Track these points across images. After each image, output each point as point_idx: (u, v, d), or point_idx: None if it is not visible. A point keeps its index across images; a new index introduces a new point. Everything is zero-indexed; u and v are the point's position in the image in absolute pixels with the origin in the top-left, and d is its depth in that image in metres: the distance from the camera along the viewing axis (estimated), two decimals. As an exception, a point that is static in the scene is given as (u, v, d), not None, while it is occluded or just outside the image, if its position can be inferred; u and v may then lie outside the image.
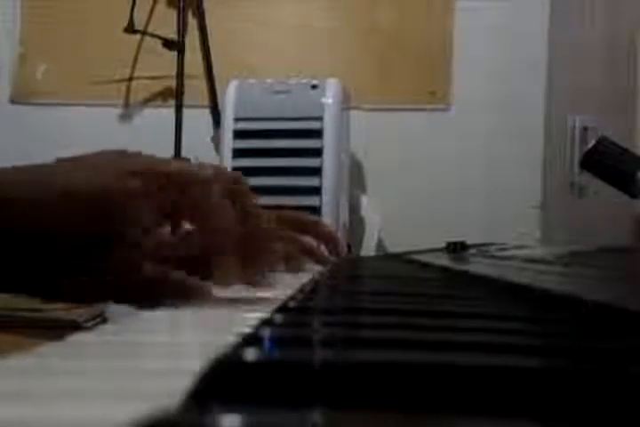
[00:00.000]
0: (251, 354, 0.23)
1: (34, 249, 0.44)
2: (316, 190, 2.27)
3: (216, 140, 2.55)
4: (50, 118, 2.73)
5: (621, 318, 0.33)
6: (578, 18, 2.31)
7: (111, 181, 0.44)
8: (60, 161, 0.47)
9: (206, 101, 2.65)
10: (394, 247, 2.45)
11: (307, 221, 0.76)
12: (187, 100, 2.52)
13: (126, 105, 2.76)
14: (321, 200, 2.26)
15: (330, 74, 2.43)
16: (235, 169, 2.31)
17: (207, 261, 0.46)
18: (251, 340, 0.27)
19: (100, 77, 2.72)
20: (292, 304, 0.42)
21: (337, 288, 0.64)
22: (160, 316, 0.38)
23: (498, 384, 0.20)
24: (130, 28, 2.49)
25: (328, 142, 2.28)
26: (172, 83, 2.55)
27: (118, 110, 2.76)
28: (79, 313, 0.47)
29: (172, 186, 0.45)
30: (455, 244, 1.32)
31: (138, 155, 0.49)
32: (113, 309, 0.45)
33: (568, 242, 2.05)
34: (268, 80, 2.42)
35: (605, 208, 1.76)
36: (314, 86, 2.33)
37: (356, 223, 2.49)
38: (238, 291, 0.49)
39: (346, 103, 2.40)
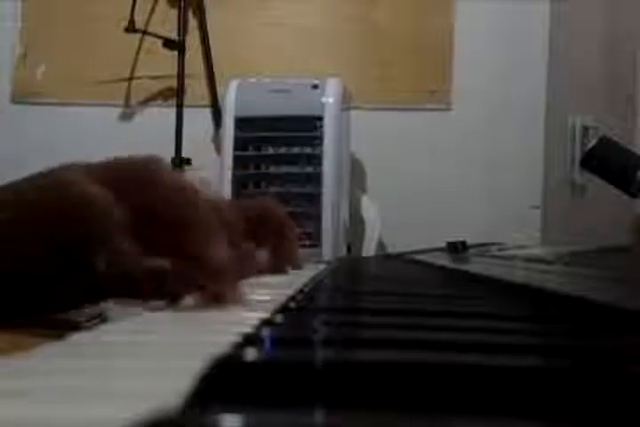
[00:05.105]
0: (251, 354, 0.23)
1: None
2: (317, 186, 2.28)
3: (216, 140, 2.55)
4: (50, 118, 2.73)
5: (621, 318, 0.33)
6: (578, 17, 2.31)
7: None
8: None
9: (207, 101, 2.66)
10: (394, 247, 2.44)
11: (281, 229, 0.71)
12: (187, 99, 2.52)
13: (127, 105, 2.76)
14: (321, 190, 2.27)
15: (330, 74, 2.43)
16: (235, 168, 2.31)
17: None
18: (251, 340, 0.27)
19: (100, 77, 2.71)
20: (292, 304, 0.42)
21: (337, 288, 0.64)
22: (160, 316, 0.38)
23: (498, 384, 0.20)
24: (130, 28, 2.49)
25: (328, 143, 2.29)
26: (173, 82, 2.55)
27: (119, 110, 2.76)
28: (79, 313, 0.47)
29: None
30: (455, 244, 1.32)
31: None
32: (114, 308, 0.44)
33: (568, 242, 2.05)
34: (269, 80, 2.42)
35: (605, 208, 1.76)
36: (314, 86, 2.33)
37: (356, 223, 2.49)
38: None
39: (346, 103, 2.40)
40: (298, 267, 0.76)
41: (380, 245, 2.55)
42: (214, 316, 0.38)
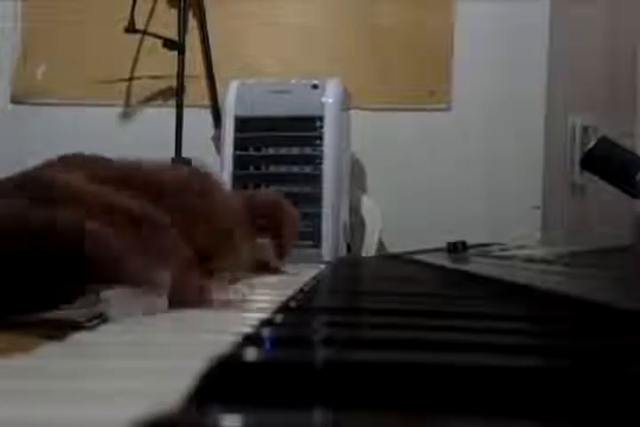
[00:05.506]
0: (251, 354, 0.23)
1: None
2: (317, 186, 2.28)
3: (216, 140, 2.55)
4: (50, 118, 2.73)
5: (621, 318, 0.33)
6: (578, 17, 2.31)
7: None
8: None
9: (207, 101, 2.65)
10: (394, 247, 2.44)
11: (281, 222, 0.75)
12: (187, 99, 2.52)
13: (127, 105, 2.76)
14: (321, 190, 2.27)
15: (330, 74, 2.43)
16: (235, 169, 2.31)
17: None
18: (251, 340, 0.27)
19: (100, 77, 2.71)
20: (292, 304, 0.42)
21: (337, 288, 0.64)
22: (160, 316, 0.38)
23: (498, 384, 0.20)
24: (130, 28, 2.49)
25: (328, 143, 2.28)
26: (173, 82, 2.55)
27: (119, 110, 2.75)
28: (79, 313, 0.47)
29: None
30: (455, 244, 1.32)
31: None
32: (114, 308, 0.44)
33: (568, 242, 2.05)
34: (269, 80, 2.42)
35: (605, 208, 1.76)
36: (314, 86, 2.33)
37: (356, 223, 2.49)
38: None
39: (346, 103, 2.40)
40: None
41: (380, 245, 2.55)
42: (214, 316, 0.38)
